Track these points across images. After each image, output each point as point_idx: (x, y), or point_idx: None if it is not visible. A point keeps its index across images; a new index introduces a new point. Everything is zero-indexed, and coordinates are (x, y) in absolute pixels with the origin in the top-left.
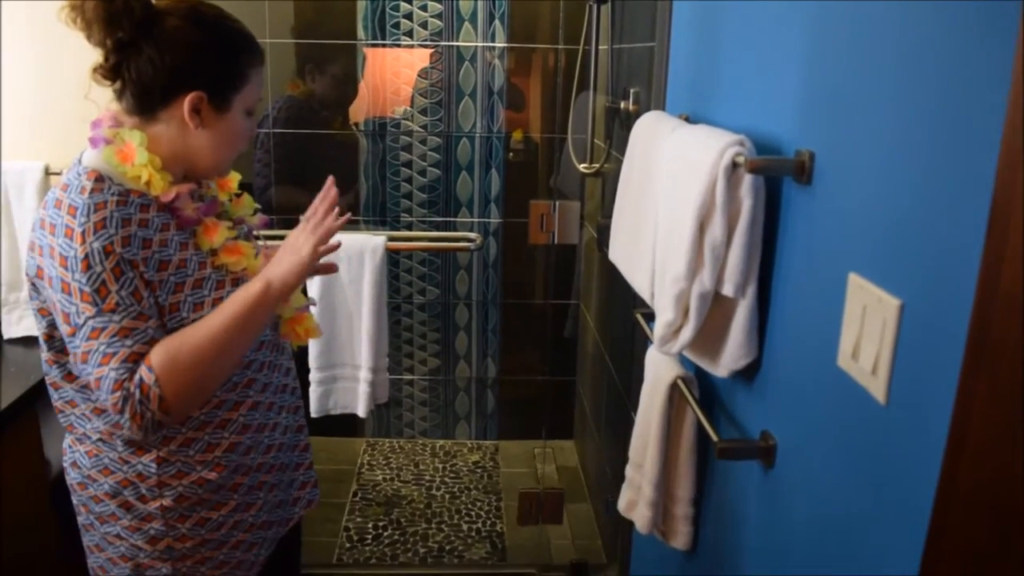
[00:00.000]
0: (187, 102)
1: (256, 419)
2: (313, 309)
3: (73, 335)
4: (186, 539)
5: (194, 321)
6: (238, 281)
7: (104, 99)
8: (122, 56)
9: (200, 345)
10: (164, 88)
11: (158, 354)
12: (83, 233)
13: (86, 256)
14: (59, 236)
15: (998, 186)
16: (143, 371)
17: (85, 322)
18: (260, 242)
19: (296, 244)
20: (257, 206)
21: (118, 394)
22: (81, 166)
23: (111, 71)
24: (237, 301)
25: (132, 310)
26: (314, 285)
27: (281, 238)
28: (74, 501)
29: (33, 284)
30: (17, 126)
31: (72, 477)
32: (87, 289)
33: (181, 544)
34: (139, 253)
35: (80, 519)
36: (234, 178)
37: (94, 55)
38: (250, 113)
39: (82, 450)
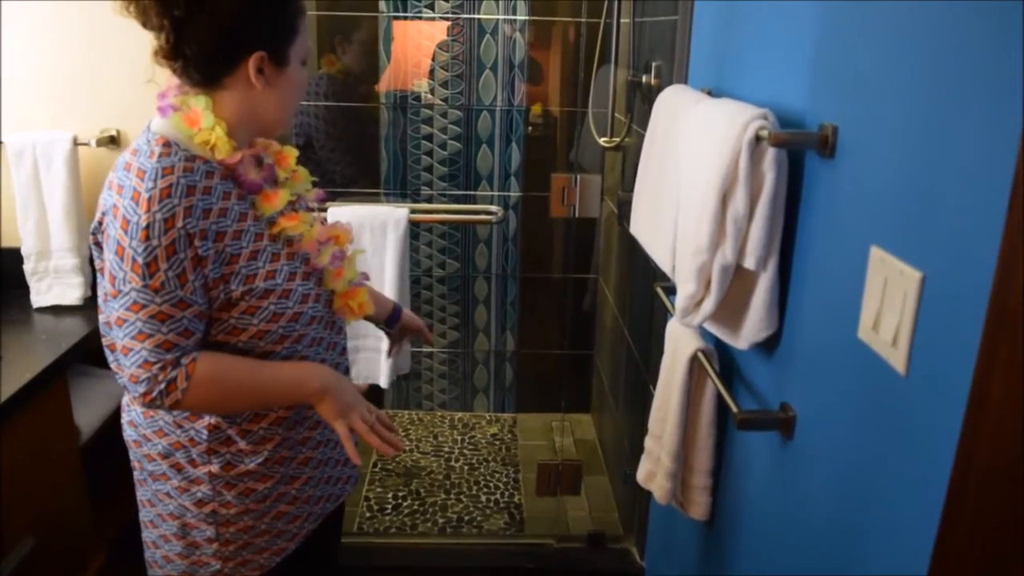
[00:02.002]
0: (251, 64)
1: None
2: (367, 283)
3: (115, 297)
4: (230, 506)
5: (243, 294)
6: (294, 256)
7: (160, 74)
8: (180, 34)
9: (242, 386)
10: (227, 56)
11: (204, 369)
12: (149, 200)
13: (148, 226)
14: (126, 198)
15: (1020, 160)
16: (181, 374)
17: (129, 291)
18: (315, 213)
19: (350, 410)
20: (314, 179)
21: (143, 372)
22: (150, 132)
23: (172, 51)
24: (292, 377)
25: (174, 295)
26: None
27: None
28: (131, 457)
29: (98, 242)
30: (46, 96)
31: (128, 434)
32: (139, 260)
33: (225, 510)
34: (198, 224)
35: (135, 474)
36: (291, 153)
37: (122, 23)
38: (304, 63)
39: (139, 410)
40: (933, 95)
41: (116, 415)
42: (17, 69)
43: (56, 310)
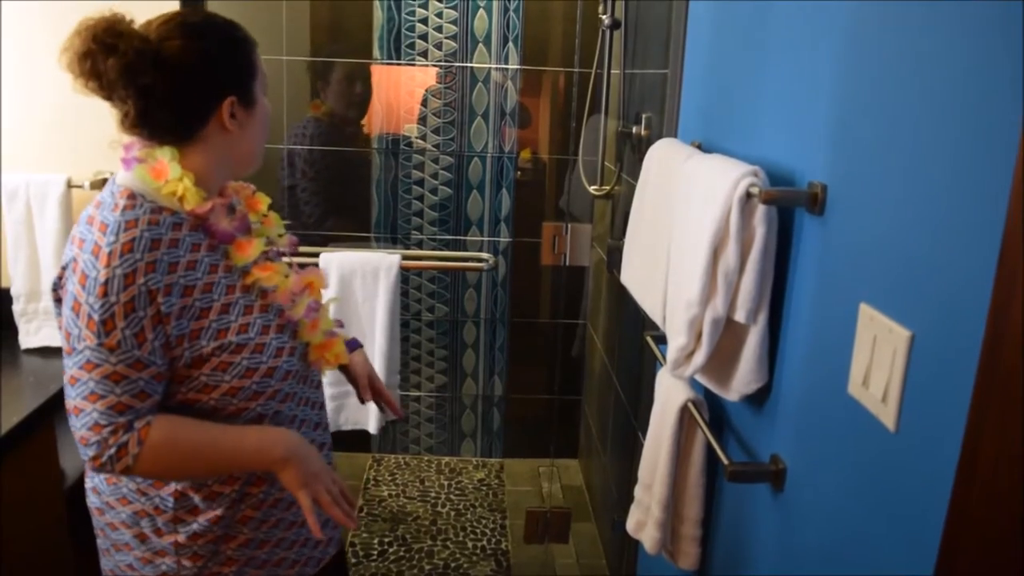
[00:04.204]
0: (224, 111)
1: None
2: (340, 331)
3: (68, 355)
4: None
5: (214, 350)
6: (268, 308)
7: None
8: (148, 101)
9: (199, 452)
10: (198, 109)
11: (158, 433)
12: (109, 254)
13: (106, 282)
14: (86, 252)
15: (1009, 221)
16: (133, 438)
17: (83, 349)
18: (287, 258)
19: (314, 480)
20: (286, 222)
21: (93, 435)
22: (115, 185)
23: (140, 118)
24: (255, 443)
25: (130, 355)
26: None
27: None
28: (94, 524)
29: (59, 298)
30: (40, 138)
31: (91, 501)
32: (95, 317)
33: None
34: (163, 279)
35: (99, 542)
36: (263, 200)
37: None
38: (265, 92)
39: (102, 475)
40: (923, 155)
41: None
42: (13, 110)
43: (45, 352)
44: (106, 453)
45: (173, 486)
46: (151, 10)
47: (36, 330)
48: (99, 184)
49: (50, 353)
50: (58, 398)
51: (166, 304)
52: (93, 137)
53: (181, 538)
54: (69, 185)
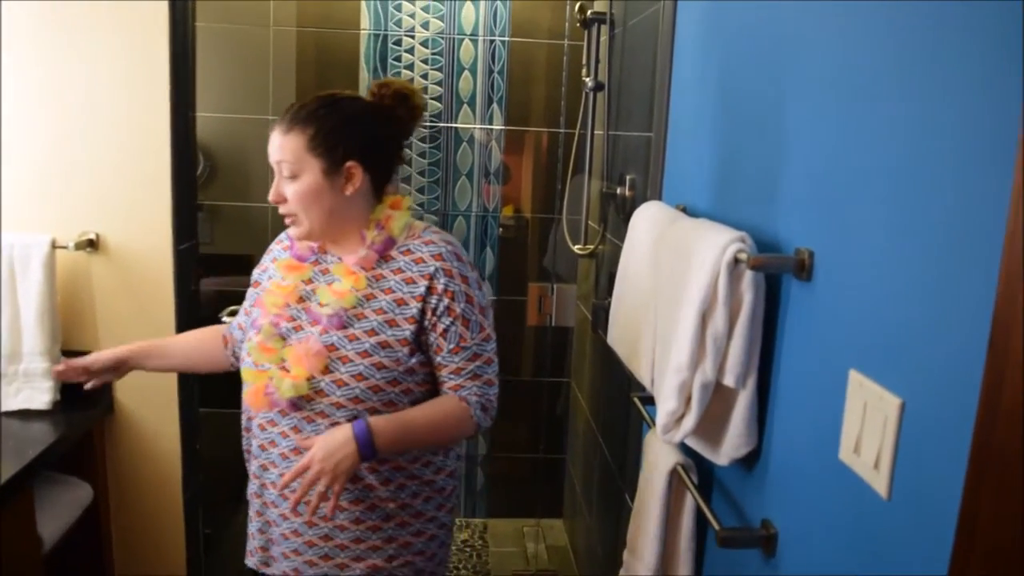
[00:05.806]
0: None
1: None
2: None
3: None
4: None
5: (248, 320)
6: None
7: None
8: None
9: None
10: None
11: None
12: None
13: None
14: None
15: (1000, 288)
16: None
17: None
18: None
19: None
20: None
21: None
22: None
23: None
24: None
25: (247, 306)
26: None
27: None
28: None
29: None
30: (26, 198)
31: None
32: None
33: None
34: (265, 261)
35: None
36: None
37: (106, 129)
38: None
39: None
40: (912, 223)
41: (80, 523)
42: None
43: (24, 414)
44: None
45: None
46: (138, 10)
47: (16, 392)
48: (84, 244)
49: (29, 416)
50: (38, 462)
51: (257, 274)
52: (79, 197)
53: None
54: (54, 246)
